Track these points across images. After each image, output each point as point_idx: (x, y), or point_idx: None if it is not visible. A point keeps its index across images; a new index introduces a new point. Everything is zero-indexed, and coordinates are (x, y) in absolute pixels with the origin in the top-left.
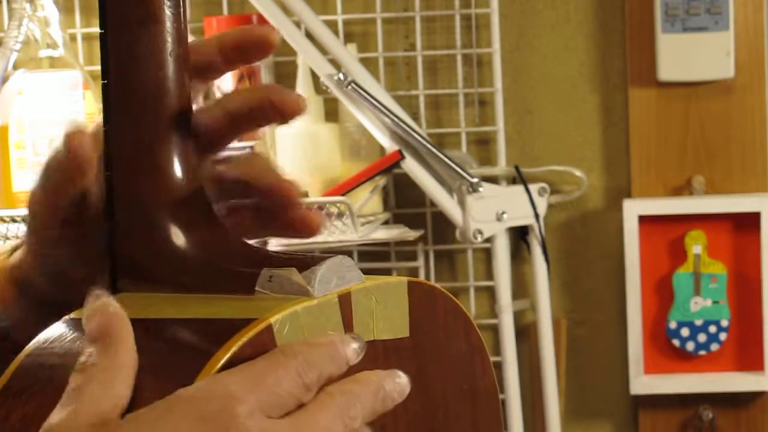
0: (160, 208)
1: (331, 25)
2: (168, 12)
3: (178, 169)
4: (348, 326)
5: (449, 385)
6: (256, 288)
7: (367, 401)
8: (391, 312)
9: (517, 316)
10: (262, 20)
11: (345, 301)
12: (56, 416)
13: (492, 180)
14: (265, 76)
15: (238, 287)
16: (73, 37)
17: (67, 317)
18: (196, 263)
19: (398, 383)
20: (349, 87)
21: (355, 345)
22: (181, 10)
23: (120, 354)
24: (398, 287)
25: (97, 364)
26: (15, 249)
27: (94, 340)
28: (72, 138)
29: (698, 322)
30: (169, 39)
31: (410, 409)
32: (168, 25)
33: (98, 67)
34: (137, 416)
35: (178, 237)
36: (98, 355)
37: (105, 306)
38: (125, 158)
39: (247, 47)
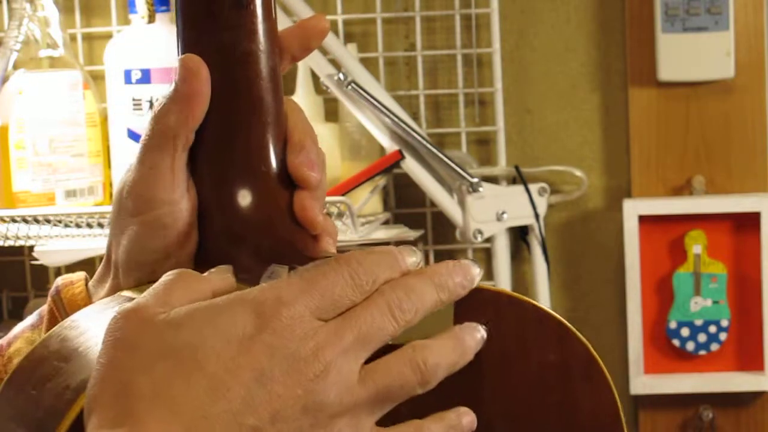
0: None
1: (331, 25)
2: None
3: (265, 155)
4: None
5: (517, 398)
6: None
7: (425, 292)
8: None
9: None
10: None
11: None
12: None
13: (492, 180)
14: None
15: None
16: (73, 37)
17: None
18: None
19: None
20: (349, 87)
21: (413, 258)
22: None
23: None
24: None
25: None
26: (87, 279)
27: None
28: (189, 66)
29: (698, 322)
30: (260, 24)
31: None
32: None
33: (98, 67)
34: (199, 305)
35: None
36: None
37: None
38: (213, 139)
39: (307, 36)
